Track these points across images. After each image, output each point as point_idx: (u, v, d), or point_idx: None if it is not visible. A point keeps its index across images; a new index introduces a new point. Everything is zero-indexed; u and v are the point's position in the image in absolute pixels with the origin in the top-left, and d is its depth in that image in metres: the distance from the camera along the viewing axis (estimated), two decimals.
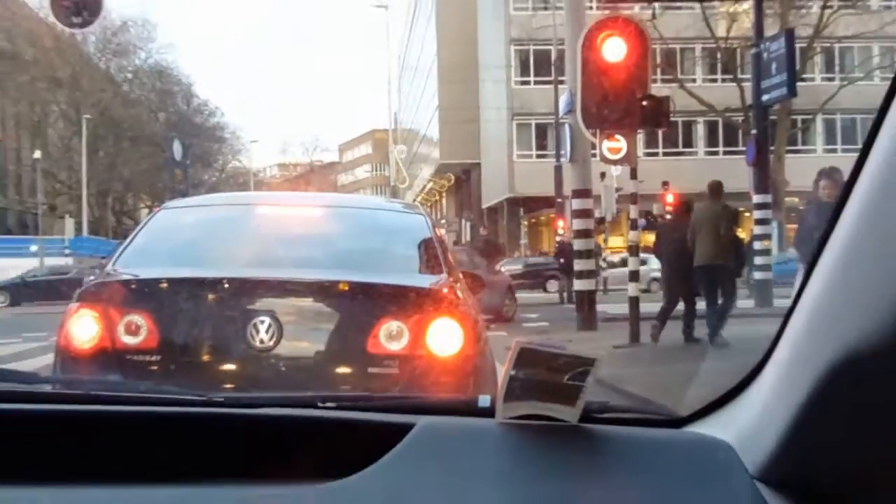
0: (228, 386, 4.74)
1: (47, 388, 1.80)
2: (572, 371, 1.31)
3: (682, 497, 1.26)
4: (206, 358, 4.87)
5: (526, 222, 52.50)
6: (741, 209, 31.37)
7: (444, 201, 67.30)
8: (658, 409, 1.55)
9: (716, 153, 44.88)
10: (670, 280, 14.99)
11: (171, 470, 1.35)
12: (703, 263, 13.53)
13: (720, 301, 13.71)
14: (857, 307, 0.97)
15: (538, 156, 47.04)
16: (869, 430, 1.07)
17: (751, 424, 1.31)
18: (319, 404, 1.55)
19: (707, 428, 1.39)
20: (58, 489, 1.32)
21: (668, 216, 21.86)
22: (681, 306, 14.19)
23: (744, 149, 25.26)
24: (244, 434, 1.46)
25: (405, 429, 1.36)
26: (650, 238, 24.07)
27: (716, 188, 14.48)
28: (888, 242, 0.90)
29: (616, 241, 38.20)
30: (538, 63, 46.51)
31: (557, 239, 34.93)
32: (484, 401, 1.50)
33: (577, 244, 17.39)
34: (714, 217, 13.75)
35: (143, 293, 5.02)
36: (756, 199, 20.90)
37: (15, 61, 55.66)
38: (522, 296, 26.92)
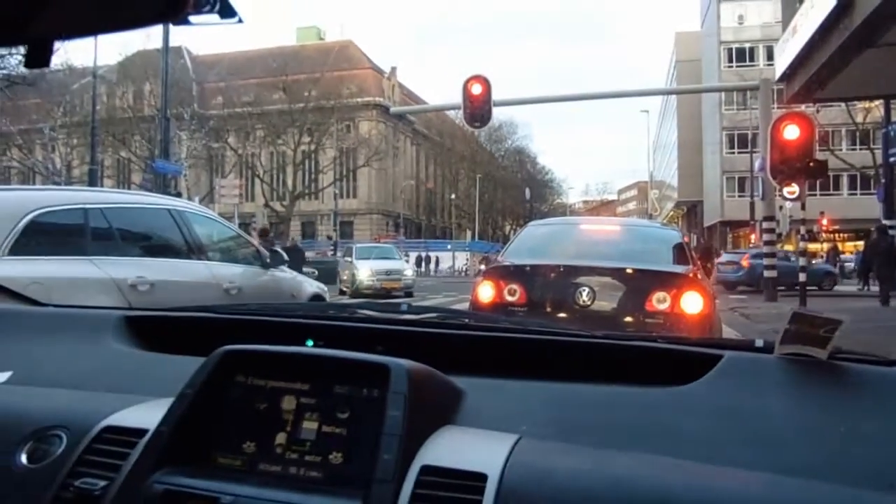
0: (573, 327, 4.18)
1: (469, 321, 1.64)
2: (825, 327, 1.21)
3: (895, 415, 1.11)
4: (550, 310, 4.88)
5: (730, 236, 50.38)
6: (871, 228, 30.48)
7: (680, 223, 64.68)
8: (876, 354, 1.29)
9: (854, 194, 43.66)
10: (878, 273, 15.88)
11: (572, 373, 1.29)
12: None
13: None
14: None
15: (739, 196, 46.82)
16: None
17: None
18: (656, 340, 1.43)
19: None
20: (513, 380, 1.27)
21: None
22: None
23: (875, 192, 25.50)
24: (611, 354, 1.39)
25: (717, 357, 1.26)
26: (811, 246, 26.08)
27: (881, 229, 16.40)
28: None
29: (788, 247, 36.52)
30: (739, 141, 46.79)
31: (751, 246, 32.73)
32: (758, 342, 1.38)
33: (765, 249, 16.70)
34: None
35: (517, 273, 5.03)
36: (885, 222, 19.61)
37: (442, 146, 62.42)
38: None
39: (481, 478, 1.00)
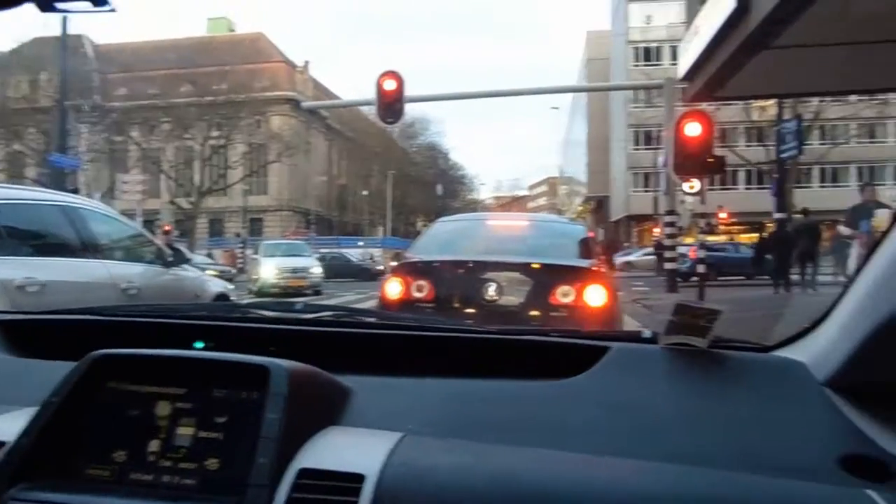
0: (470, 322, 3.98)
1: (373, 318, 1.70)
2: (706, 317, 1.26)
3: (772, 396, 1.17)
4: (458, 305, 4.84)
5: (636, 230, 52.15)
6: (765, 222, 30.76)
7: (588, 217, 64.13)
8: (753, 341, 1.37)
9: (750, 189, 44.29)
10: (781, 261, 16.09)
11: (462, 370, 1.29)
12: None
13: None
14: None
15: (644, 191, 47.87)
16: None
17: (820, 351, 1.20)
18: (550, 334, 1.45)
19: (787, 353, 1.29)
20: (402, 378, 1.26)
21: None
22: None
23: (769, 186, 25.65)
24: (503, 349, 1.39)
25: (603, 349, 1.30)
26: (710, 238, 24.86)
27: (805, 211, 16.96)
28: None
29: (689, 240, 37.93)
30: (645, 138, 48.05)
31: (654, 239, 34.91)
32: (646, 334, 1.41)
33: (667, 242, 17.39)
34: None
35: (425, 269, 4.96)
36: (776, 215, 20.36)
37: (355, 142, 61.53)
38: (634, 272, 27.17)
39: (358, 479, 0.99)
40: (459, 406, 1.21)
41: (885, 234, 0.99)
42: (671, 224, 16.79)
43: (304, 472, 1.01)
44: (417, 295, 4.85)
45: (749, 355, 1.33)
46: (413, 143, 70.17)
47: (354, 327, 1.56)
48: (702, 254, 15.97)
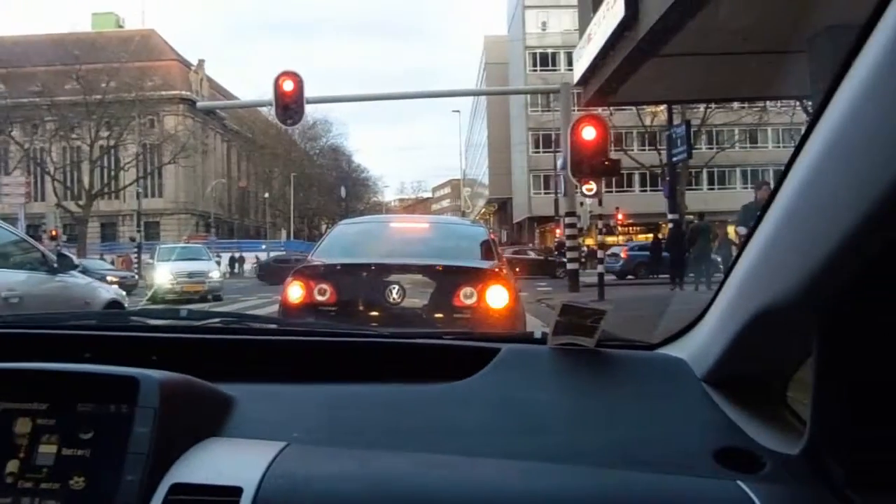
0: (375, 325, 4.50)
1: (274, 325, 1.63)
2: (592, 317, 1.26)
3: (654, 393, 1.20)
4: (362, 308, 4.78)
5: (538, 231, 52.29)
6: (661, 223, 32.64)
7: (491, 219, 66.34)
8: (639, 340, 1.41)
9: (645, 191, 45.34)
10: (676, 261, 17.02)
11: (352, 375, 1.28)
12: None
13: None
14: (775, 274, 0.92)
15: (545, 193, 47.97)
16: (773, 345, 1.07)
17: (699, 347, 1.23)
18: (443, 337, 1.47)
19: (669, 350, 1.33)
20: (289, 385, 1.25)
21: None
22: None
23: (661, 189, 26.37)
24: (396, 353, 1.38)
25: (495, 351, 1.30)
26: (608, 239, 26.49)
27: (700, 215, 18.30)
28: (798, 233, 0.85)
29: (589, 241, 35.11)
30: (544, 141, 47.95)
31: (556, 240, 35.15)
32: (537, 334, 1.42)
33: (568, 243, 17.57)
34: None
35: (327, 272, 4.86)
36: (670, 216, 21.06)
37: (255, 144, 60.15)
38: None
39: (235, 492, 0.96)
40: (346, 412, 1.19)
41: (751, 230, 1.00)
42: (571, 225, 17.00)
43: (177, 488, 0.97)
44: (320, 299, 4.75)
45: (634, 353, 1.36)
46: (315, 144, 69.46)
47: (241, 334, 1.51)
48: (601, 254, 16.42)
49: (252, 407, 1.18)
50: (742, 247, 1.07)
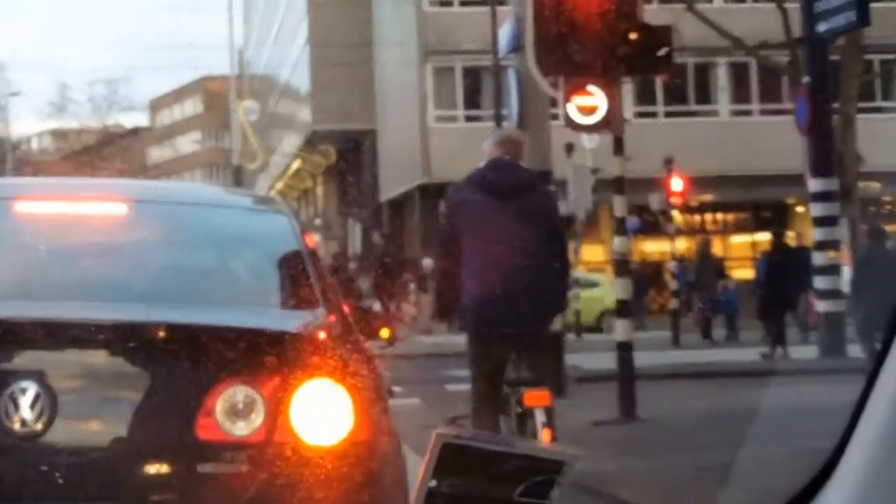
0: None
1: None
2: (528, 479, 0.70)
3: None
4: None
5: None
6: (791, 201, 19.70)
7: (318, 190, 34.98)
8: None
9: (748, 113, 23.50)
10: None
11: None
12: None
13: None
14: None
15: (467, 118, 24.12)
16: None
17: None
18: None
19: None
20: None
21: None
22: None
23: (791, 106, 13.27)
24: None
25: None
26: (647, 247, 16.12)
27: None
28: None
29: (594, 253, 20.22)
30: None
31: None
32: None
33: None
34: None
35: None
36: (814, 185, 10.93)
37: None
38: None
39: None
40: None
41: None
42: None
43: None
44: None
45: None
46: None
47: None
48: (620, 283, 10.29)
49: None
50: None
